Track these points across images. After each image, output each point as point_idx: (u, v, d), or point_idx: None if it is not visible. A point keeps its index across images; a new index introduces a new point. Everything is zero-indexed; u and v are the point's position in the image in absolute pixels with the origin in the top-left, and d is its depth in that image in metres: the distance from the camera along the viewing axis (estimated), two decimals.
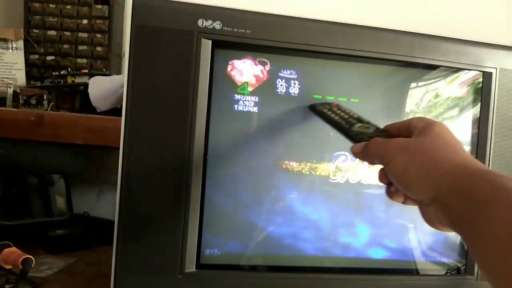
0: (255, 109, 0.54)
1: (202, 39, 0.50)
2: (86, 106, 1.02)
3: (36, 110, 0.96)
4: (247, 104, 0.53)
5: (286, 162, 0.54)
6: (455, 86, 0.60)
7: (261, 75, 0.54)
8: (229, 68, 0.53)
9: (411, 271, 0.58)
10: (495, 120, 0.59)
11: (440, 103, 0.59)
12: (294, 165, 0.55)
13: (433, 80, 0.59)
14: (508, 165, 0.59)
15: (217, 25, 0.51)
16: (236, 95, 0.53)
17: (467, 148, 0.59)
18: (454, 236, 0.59)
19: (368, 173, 0.56)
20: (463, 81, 0.60)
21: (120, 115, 1.05)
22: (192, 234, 0.51)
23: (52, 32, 1.18)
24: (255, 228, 0.55)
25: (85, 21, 1.18)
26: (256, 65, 0.54)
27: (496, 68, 0.58)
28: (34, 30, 1.17)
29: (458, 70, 0.59)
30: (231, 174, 0.54)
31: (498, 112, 0.59)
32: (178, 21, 0.50)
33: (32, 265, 0.50)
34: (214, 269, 0.53)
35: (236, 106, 0.53)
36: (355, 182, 0.57)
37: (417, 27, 0.57)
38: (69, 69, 1.02)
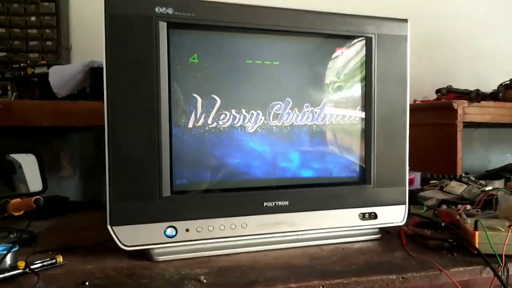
0: (203, 72, 0.72)
1: (159, 21, 0.68)
2: (46, 94, 1.13)
3: (1, 100, 1.06)
4: (197, 69, 0.72)
5: (233, 110, 0.73)
6: (351, 52, 0.82)
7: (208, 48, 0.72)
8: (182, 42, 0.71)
9: (330, 184, 0.80)
10: (377, 73, 0.81)
11: (344, 70, 0.81)
12: (242, 111, 0.74)
13: (334, 49, 0.81)
14: (388, 108, 0.82)
15: (170, 10, 0.68)
16: (188, 62, 0.71)
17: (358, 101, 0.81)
18: (359, 158, 0.82)
19: (297, 116, 0.77)
20: (355, 48, 0.82)
21: (78, 99, 1.18)
22: (165, 169, 0.69)
23: (1, 30, 1.26)
24: (216, 161, 0.73)
25: (33, 18, 1.27)
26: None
27: (375, 34, 0.81)
28: None
29: (348, 37, 0.81)
30: (192, 120, 0.72)
31: (379, 66, 0.81)
32: (140, 8, 0.67)
33: (42, 204, 0.64)
34: (184, 194, 0.71)
35: (189, 71, 0.71)
36: (288, 123, 0.77)
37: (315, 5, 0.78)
38: (28, 61, 1.12)
